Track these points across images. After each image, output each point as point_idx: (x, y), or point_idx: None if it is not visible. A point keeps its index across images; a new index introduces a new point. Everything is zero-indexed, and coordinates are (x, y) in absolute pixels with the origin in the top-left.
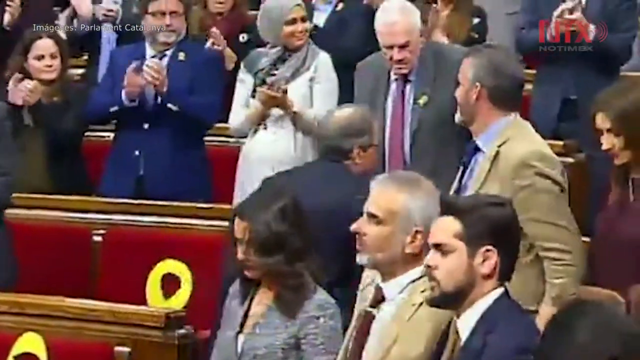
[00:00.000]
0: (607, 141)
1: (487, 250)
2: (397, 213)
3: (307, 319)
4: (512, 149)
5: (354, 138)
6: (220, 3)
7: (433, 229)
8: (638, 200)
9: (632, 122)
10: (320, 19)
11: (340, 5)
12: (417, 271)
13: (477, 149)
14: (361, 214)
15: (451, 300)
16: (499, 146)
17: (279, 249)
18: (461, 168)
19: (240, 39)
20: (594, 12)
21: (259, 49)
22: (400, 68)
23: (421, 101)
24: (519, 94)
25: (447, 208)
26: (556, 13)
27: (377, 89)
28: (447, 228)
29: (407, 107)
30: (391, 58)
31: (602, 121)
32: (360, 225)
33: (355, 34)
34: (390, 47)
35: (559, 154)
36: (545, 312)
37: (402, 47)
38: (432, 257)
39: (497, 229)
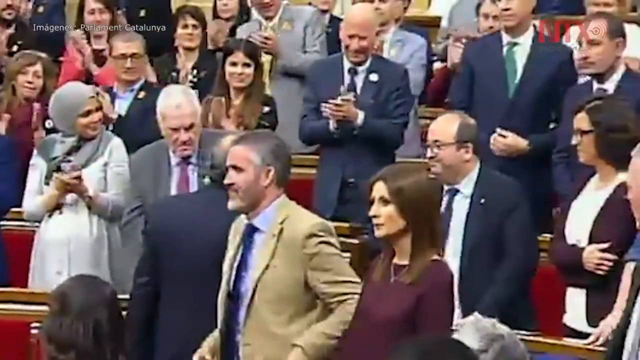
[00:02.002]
0: (376, 210)
1: None
2: None
3: None
4: (296, 224)
5: None
6: (30, 88)
7: None
8: (398, 282)
9: (407, 195)
10: (122, 106)
11: (142, 93)
12: None
13: (254, 229)
14: None
15: None
16: (281, 223)
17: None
18: (236, 246)
19: (47, 125)
20: (366, 100)
21: (53, 135)
22: (185, 149)
23: (206, 181)
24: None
25: None
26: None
27: (159, 176)
28: None
29: (192, 189)
30: (176, 140)
31: (377, 190)
32: None
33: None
34: (176, 130)
35: (345, 235)
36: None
37: (188, 129)
38: None
39: None
